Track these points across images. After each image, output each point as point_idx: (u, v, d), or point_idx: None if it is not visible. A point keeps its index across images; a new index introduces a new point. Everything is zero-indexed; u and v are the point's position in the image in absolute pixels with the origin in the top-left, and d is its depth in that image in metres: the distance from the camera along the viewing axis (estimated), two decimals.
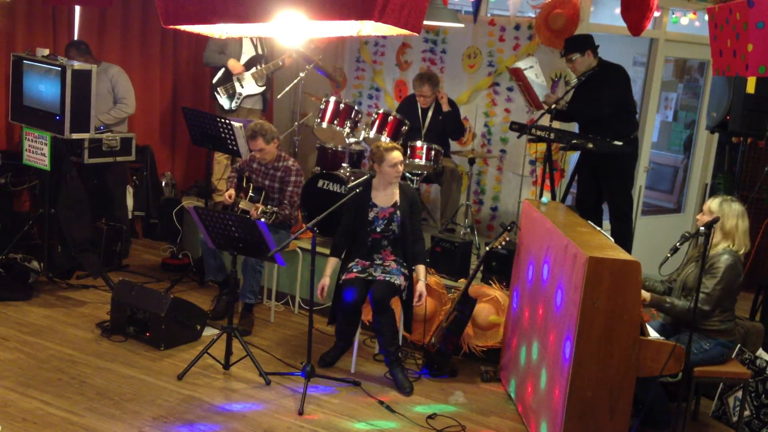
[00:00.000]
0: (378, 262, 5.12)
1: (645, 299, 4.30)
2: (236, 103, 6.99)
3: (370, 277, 5.03)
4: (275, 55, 7.03)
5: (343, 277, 5.06)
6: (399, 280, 5.00)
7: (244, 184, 5.79)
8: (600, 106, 5.68)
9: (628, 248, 5.49)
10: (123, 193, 6.94)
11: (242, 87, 6.95)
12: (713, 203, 4.43)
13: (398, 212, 5.10)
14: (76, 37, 6.80)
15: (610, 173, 5.88)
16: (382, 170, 5.05)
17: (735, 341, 4.53)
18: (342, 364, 5.24)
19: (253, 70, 6.99)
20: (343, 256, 5.20)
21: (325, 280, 5.00)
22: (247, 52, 7.02)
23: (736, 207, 4.40)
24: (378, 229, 5.09)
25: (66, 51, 6.48)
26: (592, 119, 5.79)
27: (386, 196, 5.12)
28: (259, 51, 7.06)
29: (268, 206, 5.52)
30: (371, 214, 5.08)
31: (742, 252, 4.40)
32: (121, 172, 6.82)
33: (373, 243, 5.12)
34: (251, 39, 6.99)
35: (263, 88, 7.12)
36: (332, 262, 5.10)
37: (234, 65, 6.91)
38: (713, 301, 4.32)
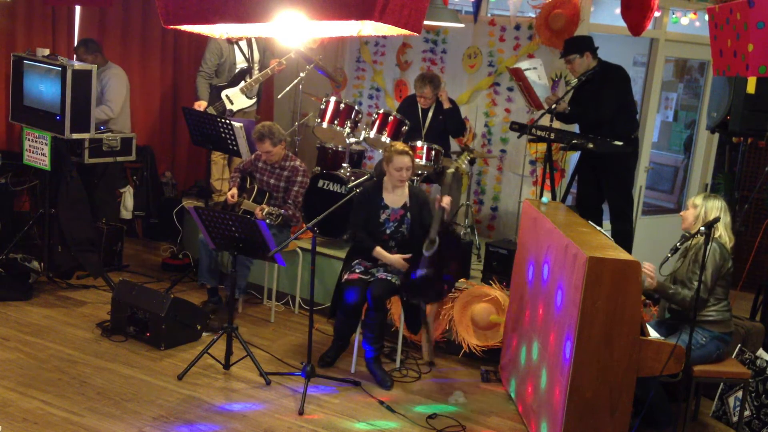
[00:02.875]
0: (381, 262, 5.11)
1: (652, 283, 4.37)
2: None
3: (372, 279, 5.03)
4: (266, 62, 6.81)
5: (345, 277, 5.06)
6: (399, 280, 4.99)
7: (248, 185, 5.78)
8: (601, 108, 5.68)
9: (628, 248, 5.49)
10: (113, 194, 6.89)
11: (232, 104, 6.73)
12: (697, 198, 4.59)
13: (408, 214, 5.10)
14: (76, 37, 6.79)
15: (610, 173, 5.88)
16: (389, 171, 5.06)
17: (732, 333, 4.53)
18: (342, 364, 5.24)
19: (242, 84, 6.73)
20: (348, 253, 5.24)
21: (392, 257, 4.99)
22: (240, 65, 6.79)
23: (718, 202, 4.52)
24: (388, 231, 5.09)
25: (77, 47, 6.47)
26: (594, 123, 5.79)
27: (396, 197, 5.12)
28: (251, 64, 6.80)
29: (273, 208, 5.51)
30: (383, 216, 5.08)
31: (727, 245, 4.47)
32: (111, 173, 6.73)
33: (381, 244, 5.11)
34: (243, 51, 6.76)
35: (254, 100, 6.89)
36: (378, 248, 5.02)
37: (199, 105, 6.60)
38: (707, 289, 4.38)
